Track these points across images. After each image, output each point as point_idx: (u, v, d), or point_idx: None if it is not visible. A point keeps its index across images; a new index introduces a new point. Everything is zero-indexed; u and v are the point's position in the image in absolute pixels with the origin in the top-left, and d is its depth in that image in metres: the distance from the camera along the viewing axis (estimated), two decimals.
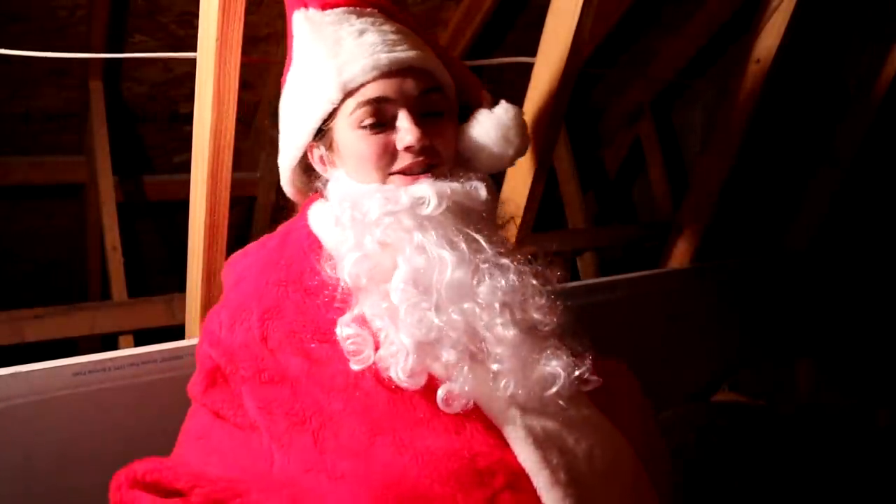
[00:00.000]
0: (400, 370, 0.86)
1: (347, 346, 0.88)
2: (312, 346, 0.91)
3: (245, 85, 2.22)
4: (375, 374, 0.88)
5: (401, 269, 0.89)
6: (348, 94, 0.94)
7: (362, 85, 0.94)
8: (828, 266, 2.61)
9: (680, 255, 2.33)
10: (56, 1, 1.75)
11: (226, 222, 1.33)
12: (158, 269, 2.62)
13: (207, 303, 1.39)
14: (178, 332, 1.49)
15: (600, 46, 2.52)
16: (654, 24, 2.65)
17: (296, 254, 0.98)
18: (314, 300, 0.93)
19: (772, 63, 2.00)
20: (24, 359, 1.23)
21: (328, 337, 0.91)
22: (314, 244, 0.98)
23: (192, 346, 1.35)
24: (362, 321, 0.90)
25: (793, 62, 2.25)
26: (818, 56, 2.68)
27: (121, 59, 1.98)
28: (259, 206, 2.53)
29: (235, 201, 1.56)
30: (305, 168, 1.07)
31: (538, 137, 1.54)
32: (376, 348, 0.88)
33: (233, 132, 1.25)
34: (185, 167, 1.31)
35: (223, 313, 0.97)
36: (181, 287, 1.45)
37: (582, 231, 2.74)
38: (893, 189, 2.64)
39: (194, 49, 1.20)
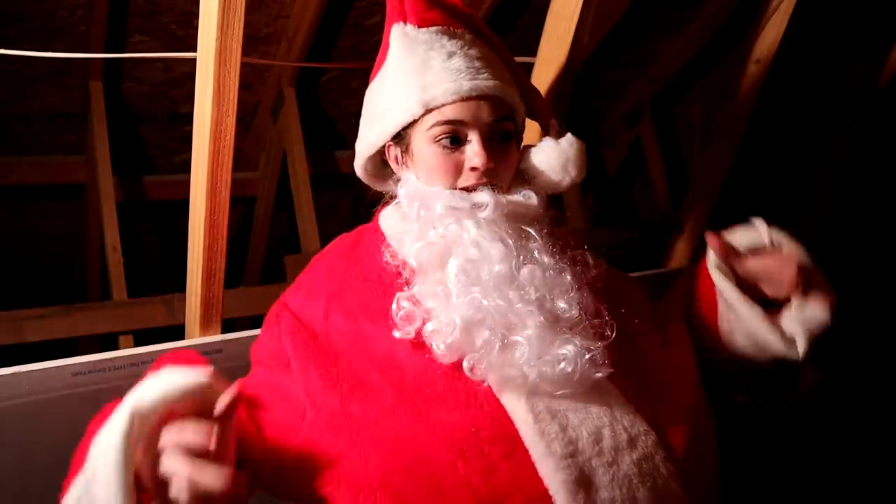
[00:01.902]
0: (443, 342, 0.96)
1: (399, 316, 1.00)
2: (363, 325, 1.03)
3: (245, 85, 2.22)
4: (410, 351, 1.00)
5: (456, 259, 1.00)
6: (428, 111, 1.05)
7: (442, 105, 1.04)
8: (827, 266, 2.60)
9: (680, 255, 2.33)
10: (56, 1, 1.75)
11: (226, 222, 1.33)
12: (158, 269, 2.62)
13: (207, 303, 1.39)
14: (178, 332, 1.50)
15: (600, 46, 2.53)
16: (655, 25, 2.65)
17: (365, 248, 1.12)
18: (370, 287, 1.06)
19: (772, 63, 2.01)
20: (24, 359, 1.23)
21: (377, 318, 1.03)
22: (380, 240, 1.10)
23: (192, 346, 1.36)
24: (416, 301, 1.01)
25: (793, 62, 2.25)
26: (818, 56, 2.68)
27: (121, 59, 1.98)
28: (259, 206, 2.54)
29: (235, 201, 1.56)
30: (382, 158, 1.17)
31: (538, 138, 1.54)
32: (421, 327, 0.99)
33: (233, 132, 1.25)
34: (185, 167, 1.31)
35: (300, 292, 1.13)
36: (181, 287, 1.45)
37: (582, 231, 2.74)
38: (893, 189, 2.64)
39: (194, 49, 1.20)
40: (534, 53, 1.56)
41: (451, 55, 1.07)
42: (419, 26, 1.11)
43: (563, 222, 1.17)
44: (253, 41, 2.04)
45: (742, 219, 1.22)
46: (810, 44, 2.52)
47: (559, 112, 1.56)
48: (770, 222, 1.20)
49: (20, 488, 1.20)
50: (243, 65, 1.20)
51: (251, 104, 2.33)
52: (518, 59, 1.22)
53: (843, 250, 2.65)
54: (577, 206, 2.79)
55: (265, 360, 1.09)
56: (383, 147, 1.14)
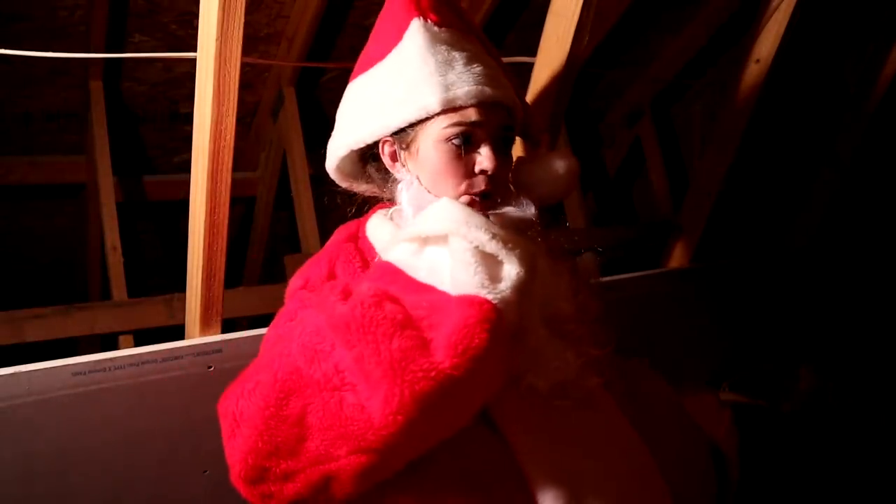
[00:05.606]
0: None
1: None
2: None
3: (245, 85, 2.22)
4: None
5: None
6: (444, 112, 1.02)
7: (462, 108, 1.02)
8: (827, 266, 2.61)
9: (680, 255, 2.33)
10: (56, 1, 1.75)
11: (226, 222, 1.33)
12: (158, 269, 2.62)
13: (207, 303, 1.39)
14: (177, 332, 1.49)
15: (600, 46, 2.53)
16: (654, 25, 2.65)
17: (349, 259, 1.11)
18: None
19: (772, 63, 2.01)
20: (24, 359, 1.23)
21: None
22: (366, 251, 1.10)
23: (192, 346, 1.36)
24: None
25: (793, 62, 2.25)
26: (818, 56, 2.68)
27: (121, 59, 1.98)
28: (259, 206, 2.54)
29: (235, 201, 1.56)
30: (361, 156, 1.15)
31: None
32: None
33: (233, 132, 1.25)
34: (185, 167, 1.31)
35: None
36: (181, 287, 1.45)
37: (582, 231, 2.74)
38: (893, 188, 2.64)
39: (194, 49, 1.20)
40: (534, 53, 1.56)
41: (472, 59, 1.06)
42: (441, 24, 1.08)
43: (555, 225, 1.17)
44: (253, 41, 2.04)
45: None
46: (810, 44, 2.52)
47: (559, 112, 1.56)
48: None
49: (21, 488, 1.20)
50: (243, 65, 1.20)
51: (251, 104, 2.32)
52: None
53: (843, 250, 2.66)
54: (576, 206, 2.80)
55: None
56: (370, 143, 1.09)
